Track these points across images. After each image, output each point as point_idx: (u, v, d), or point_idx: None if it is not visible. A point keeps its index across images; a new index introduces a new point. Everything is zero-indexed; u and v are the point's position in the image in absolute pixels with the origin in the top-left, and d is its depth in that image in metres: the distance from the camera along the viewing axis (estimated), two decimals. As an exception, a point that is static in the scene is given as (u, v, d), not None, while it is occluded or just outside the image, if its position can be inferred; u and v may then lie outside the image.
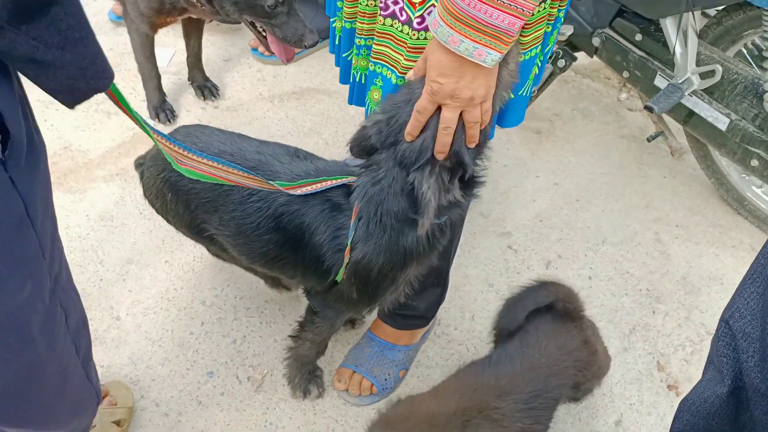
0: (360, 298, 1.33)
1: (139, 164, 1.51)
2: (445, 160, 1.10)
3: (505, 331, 1.43)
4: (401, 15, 1.16)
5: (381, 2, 1.17)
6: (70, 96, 0.79)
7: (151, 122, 2.20)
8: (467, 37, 0.95)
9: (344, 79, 1.38)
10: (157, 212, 1.50)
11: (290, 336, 1.52)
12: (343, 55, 1.35)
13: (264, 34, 1.84)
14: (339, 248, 1.26)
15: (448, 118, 1.05)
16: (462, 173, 1.13)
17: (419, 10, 1.14)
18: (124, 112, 0.93)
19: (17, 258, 0.82)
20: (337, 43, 1.39)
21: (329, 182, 1.25)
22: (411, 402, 1.29)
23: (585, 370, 1.40)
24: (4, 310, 0.83)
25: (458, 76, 1.00)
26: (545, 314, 1.42)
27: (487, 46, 0.95)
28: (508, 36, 0.95)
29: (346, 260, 1.26)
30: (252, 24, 1.83)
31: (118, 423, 1.49)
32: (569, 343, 1.38)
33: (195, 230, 1.43)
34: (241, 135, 1.41)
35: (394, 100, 1.14)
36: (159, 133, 1.02)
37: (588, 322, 1.47)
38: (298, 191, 1.23)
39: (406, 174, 1.14)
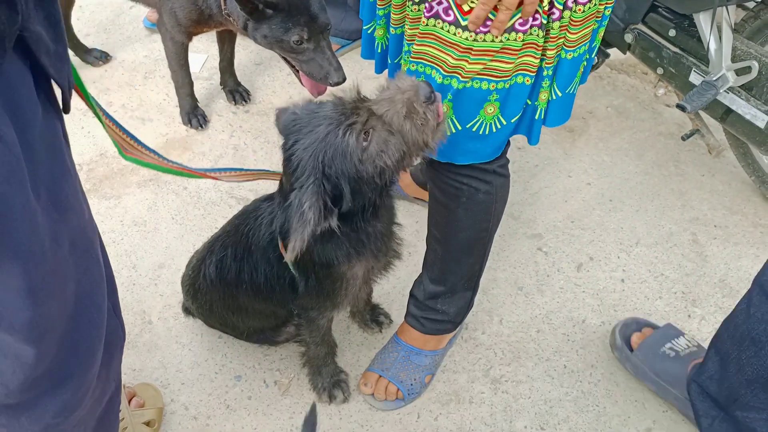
0: (312, 293, 1.36)
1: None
2: (327, 186, 1.10)
3: None
4: (446, 15, 1.15)
5: (426, 5, 1.16)
6: (69, 85, 0.81)
7: (183, 127, 2.24)
8: None
9: None
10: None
11: (295, 341, 1.55)
12: (395, 61, 1.35)
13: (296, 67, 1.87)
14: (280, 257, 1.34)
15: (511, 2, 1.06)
16: (339, 205, 1.13)
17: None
18: (78, 93, 0.94)
19: (75, 178, 0.84)
20: (380, 51, 1.39)
21: (258, 173, 1.33)
22: None
23: None
24: (78, 229, 0.85)
25: None
26: None
27: None
28: None
29: (285, 256, 1.30)
30: (284, 58, 1.86)
31: (148, 423, 1.52)
32: None
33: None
34: None
35: (312, 104, 1.16)
36: (110, 118, 1.03)
37: None
38: (226, 179, 1.30)
39: (286, 182, 1.17)
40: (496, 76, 1.18)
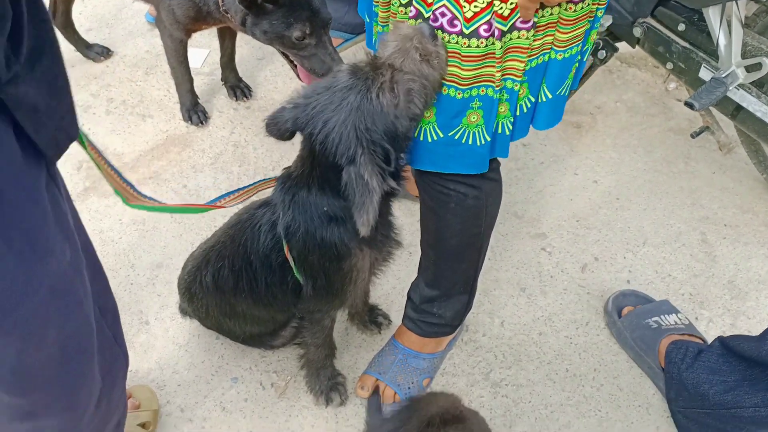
0: (320, 294, 1.35)
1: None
2: (377, 151, 1.11)
3: None
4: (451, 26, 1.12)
5: (411, 11, 1.14)
6: (56, 148, 0.79)
7: (184, 124, 2.22)
8: None
9: None
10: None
11: (295, 343, 1.53)
12: None
13: (295, 63, 1.83)
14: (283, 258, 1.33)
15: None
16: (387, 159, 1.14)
17: (429, 11, 1.10)
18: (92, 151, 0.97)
19: (56, 220, 0.82)
20: (366, 50, 1.37)
21: (257, 186, 1.32)
22: None
23: None
24: (58, 273, 0.83)
25: None
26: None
27: None
28: None
29: (290, 259, 1.30)
30: (283, 53, 1.82)
31: (143, 425, 1.51)
32: None
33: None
34: None
35: (317, 86, 1.15)
36: (114, 168, 1.06)
37: (474, 418, 1.27)
38: (230, 205, 1.29)
39: (321, 167, 1.16)
40: (460, 84, 1.15)
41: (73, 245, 0.88)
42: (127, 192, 1.10)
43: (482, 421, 1.30)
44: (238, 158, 2.12)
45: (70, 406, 0.99)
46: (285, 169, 1.30)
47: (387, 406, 1.57)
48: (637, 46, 1.97)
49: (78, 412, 1.02)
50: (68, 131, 0.80)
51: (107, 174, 1.05)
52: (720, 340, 1.48)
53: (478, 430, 1.24)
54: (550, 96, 1.23)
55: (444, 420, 1.19)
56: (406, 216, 1.95)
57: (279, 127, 1.21)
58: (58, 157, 0.80)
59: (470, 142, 1.22)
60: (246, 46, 2.49)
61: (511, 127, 1.23)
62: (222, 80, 2.32)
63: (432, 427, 1.17)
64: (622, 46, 2.03)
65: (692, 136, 1.94)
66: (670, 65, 1.89)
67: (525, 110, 1.23)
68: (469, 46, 1.10)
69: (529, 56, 1.14)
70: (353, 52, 2.46)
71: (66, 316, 0.89)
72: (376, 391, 1.51)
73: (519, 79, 1.16)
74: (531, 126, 1.29)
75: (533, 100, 1.22)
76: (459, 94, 1.16)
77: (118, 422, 1.20)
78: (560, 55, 1.17)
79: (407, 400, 1.25)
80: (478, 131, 1.21)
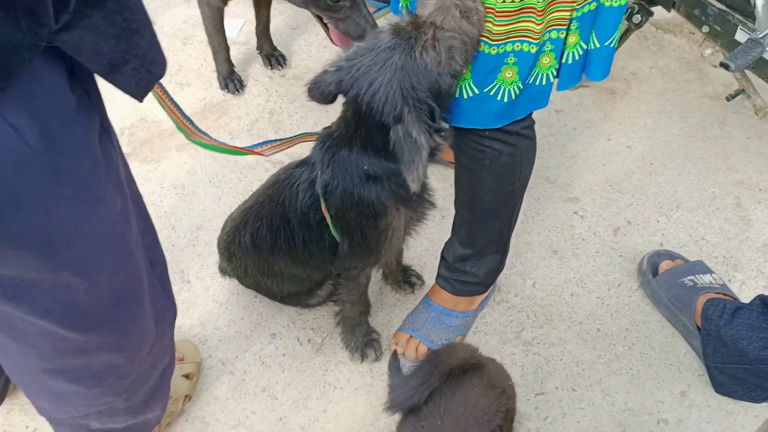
0: (356, 251, 1.39)
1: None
2: (420, 104, 1.14)
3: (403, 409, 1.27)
4: None
5: None
6: (137, 87, 0.81)
7: (221, 92, 2.26)
8: None
9: None
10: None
11: (331, 300, 1.57)
12: None
13: (327, 25, 1.85)
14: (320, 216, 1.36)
15: None
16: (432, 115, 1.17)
17: None
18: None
19: (107, 170, 0.85)
20: (406, 10, 1.39)
21: (296, 139, 1.36)
22: None
23: (498, 412, 1.25)
24: (108, 221, 0.88)
25: None
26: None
27: None
28: None
29: (327, 217, 1.33)
30: (317, 15, 1.84)
31: (187, 376, 1.58)
32: (471, 394, 1.22)
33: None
34: None
35: (359, 48, 1.16)
36: (177, 105, 1.12)
37: (491, 364, 1.33)
38: (268, 153, 1.34)
39: (366, 127, 1.19)
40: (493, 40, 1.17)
41: (123, 197, 0.93)
42: (188, 128, 1.15)
43: (500, 367, 1.34)
44: (274, 125, 2.17)
45: (121, 348, 1.05)
46: (325, 128, 1.33)
47: (405, 363, 1.61)
48: (672, 11, 1.96)
49: (128, 354, 1.07)
50: (150, 70, 0.81)
51: (169, 110, 1.09)
52: (761, 298, 1.50)
53: (495, 374, 1.29)
54: (598, 45, 1.24)
55: (463, 369, 1.23)
56: (439, 181, 1.98)
57: (322, 91, 1.24)
58: (144, 96, 0.83)
59: (505, 100, 1.24)
60: (280, 15, 2.52)
61: (554, 78, 1.24)
62: (257, 49, 2.36)
63: (453, 377, 1.21)
64: (658, 12, 2.02)
65: (727, 99, 1.93)
66: (705, 28, 1.87)
67: (577, 57, 1.24)
68: (504, 0, 1.11)
69: (577, 4, 1.15)
70: (385, 20, 2.47)
71: (118, 264, 0.94)
72: (394, 355, 1.54)
73: (564, 27, 1.17)
74: (572, 85, 1.31)
75: (585, 47, 1.24)
76: (493, 50, 1.17)
77: (163, 371, 1.26)
78: (608, 2, 1.19)
79: (428, 354, 1.29)
80: (514, 88, 1.22)
